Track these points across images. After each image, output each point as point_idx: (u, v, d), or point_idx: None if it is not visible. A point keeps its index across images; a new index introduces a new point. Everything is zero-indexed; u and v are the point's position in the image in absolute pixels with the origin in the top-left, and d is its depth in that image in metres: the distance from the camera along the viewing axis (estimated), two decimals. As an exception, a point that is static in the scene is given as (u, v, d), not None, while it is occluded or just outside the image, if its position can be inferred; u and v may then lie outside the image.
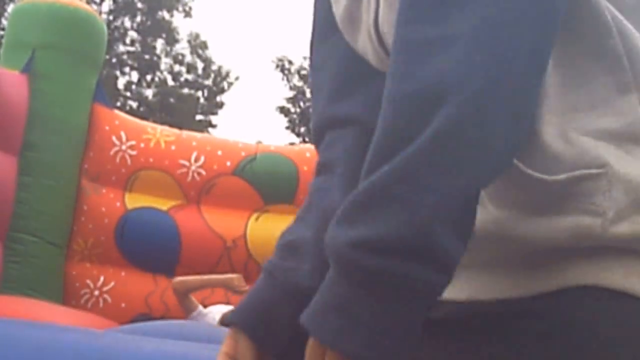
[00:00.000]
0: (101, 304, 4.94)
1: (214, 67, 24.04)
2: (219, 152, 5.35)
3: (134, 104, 22.21)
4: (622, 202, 0.65)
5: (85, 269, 5.07)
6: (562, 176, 0.66)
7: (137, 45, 22.71)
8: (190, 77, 23.62)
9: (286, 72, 24.79)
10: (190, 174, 5.26)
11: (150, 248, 5.08)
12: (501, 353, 0.68)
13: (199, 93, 23.68)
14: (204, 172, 5.28)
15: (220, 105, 24.02)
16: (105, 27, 5.51)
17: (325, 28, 0.93)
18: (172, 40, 23.23)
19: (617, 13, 0.69)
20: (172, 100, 22.33)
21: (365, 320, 0.59)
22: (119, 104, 21.17)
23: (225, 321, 1.66)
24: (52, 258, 4.87)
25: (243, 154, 5.36)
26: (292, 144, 20.30)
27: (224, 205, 5.26)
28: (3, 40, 5.30)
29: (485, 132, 0.59)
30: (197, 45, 23.72)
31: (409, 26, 0.62)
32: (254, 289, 0.93)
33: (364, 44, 0.84)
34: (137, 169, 5.23)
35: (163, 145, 5.31)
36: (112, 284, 5.05)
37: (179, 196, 5.25)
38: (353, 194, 0.61)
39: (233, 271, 5.13)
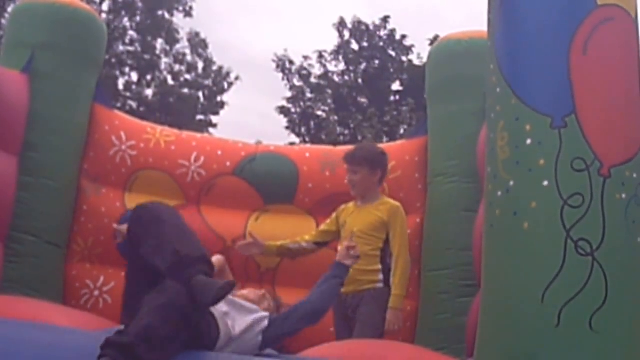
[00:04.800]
0: (101, 304, 4.94)
1: (214, 67, 24.04)
2: (219, 152, 5.35)
3: (134, 104, 22.17)
4: None
5: (85, 269, 5.07)
6: None
7: (137, 45, 22.66)
8: (190, 77, 23.59)
9: (286, 72, 24.78)
10: (190, 174, 5.26)
11: (150, 248, 5.07)
12: None
13: (199, 93, 23.65)
14: (203, 172, 5.27)
15: (221, 105, 24.01)
16: (105, 27, 5.51)
17: None
18: (172, 40, 23.19)
19: None
20: (172, 100, 22.28)
21: None
22: (119, 104, 21.14)
23: None
24: (52, 258, 4.87)
25: (243, 154, 5.36)
26: (292, 144, 20.28)
27: (223, 206, 5.25)
28: (3, 40, 5.29)
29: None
30: (197, 45, 23.69)
31: None
32: None
33: None
34: (137, 169, 5.23)
35: (163, 145, 5.31)
36: (112, 284, 5.04)
37: (179, 196, 5.25)
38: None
39: (233, 271, 5.13)
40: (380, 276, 4.22)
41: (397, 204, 4.38)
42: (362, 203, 4.39)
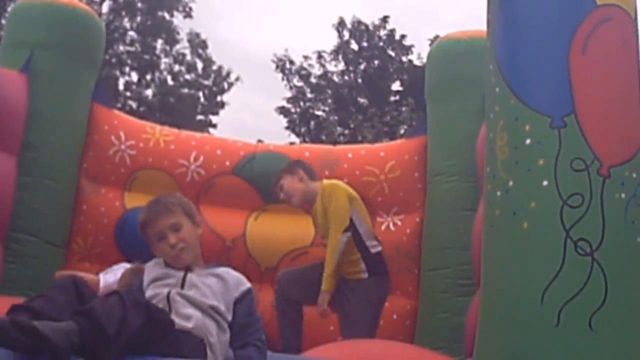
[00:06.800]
0: (100, 304, 4.93)
1: (214, 67, 24.04)
2: (218, 152, 5.34)
3: (134, 104, 22.17)
4: None
5: (85, 268, 5.05)
6: None
7: (137, 45, 22.66)
8: (190, 77, 23.60)
9: (286, 72, 24.79)
10: (190, 173, 5.25)
11: (149, 248, 5.06)
12: None
13: (199, 93, 23.66)
14: (203, 172, 5.27)
15: (221, 105, 24.02)
16: (103, 27, 5.50)
17: None
18: (172, 40, 23.19)
19: None
20: (172, 100, 22.29)
21: None
22: (119, 104, 21.14)
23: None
24: (52, 258, 4.87)
25: (242, 153, 5.36)
26: (292, 144, 20.28)
27: (223, 205, 5.25)
28: (2, 40, 5.28)
29: None
30: (197, 45, 23.69)
31: None
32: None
33: None
34: (136, 168, 5.23)
35: (162, 144, 5.30)
36: (112, 283, 5.04)
37: (178, 196, 5.24)
38: None
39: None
40: (363, 265, 4.13)
41: (326, 183, 4.25)
42: (313, 206, 4.34)
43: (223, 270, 2.75)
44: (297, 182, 4.32)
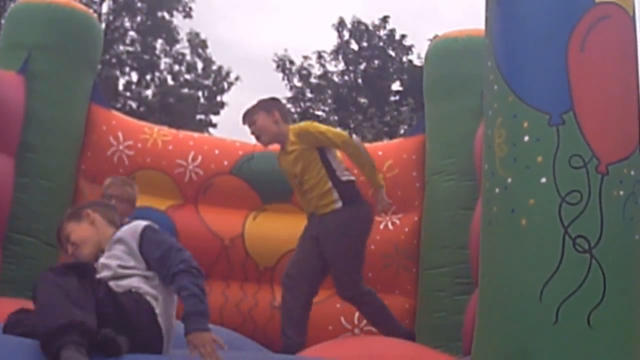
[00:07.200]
0: (99, 305, 4.93)
1: (214, 67, 24.02)
2: (216, 152, 5.34)
3: (134, 104, 22.16)
4: None
5: (84, 269, 5.06)
6: None
7: (137, 45, 22.64)
8: (190, 77, 23.57)
9: (286, 72, 24.77)
10: (188, 173, 5.25)
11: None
12: None
13: (199, 93, 23.64)
14: (201, 172, 5.26)
15: (221, 105, 24.00)
16: (101, 28, 5.50)
17: None
18: (172, 40, 23.16)
19: None
20: (172, 100, 22.26)
21: None
22: (119, 104, 21.13)
23: None
24: (50, 259, 4.85)
25: (240, 153, 5.35)
26: (292, 143, 20.17)
27: (221, 205, 5.24)
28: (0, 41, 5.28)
29: None
30: (197, 45, 23.67)
31: None
32: None
33: None
34: (134, 169, 5.22)
35: (160, 145, 5.30)
36: (111, 284, 5.03)
37: (177, 196, 5.24)
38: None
39: (230, 270, 5.12)
40: (336, 194, 4.15)
41: (297, 126, 4.31)
42: (281, 148, 4.37)
43: (119, 232, 2.79)
44: (271, 123, 4.32)
